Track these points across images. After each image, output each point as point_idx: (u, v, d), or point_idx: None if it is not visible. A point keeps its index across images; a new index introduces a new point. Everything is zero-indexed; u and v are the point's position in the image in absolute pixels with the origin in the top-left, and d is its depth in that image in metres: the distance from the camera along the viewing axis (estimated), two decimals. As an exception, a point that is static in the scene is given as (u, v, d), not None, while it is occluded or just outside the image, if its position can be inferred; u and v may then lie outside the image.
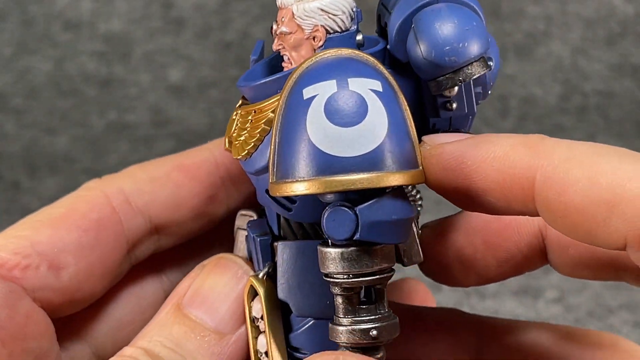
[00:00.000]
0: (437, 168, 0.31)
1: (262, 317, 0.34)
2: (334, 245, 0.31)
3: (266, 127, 0.33)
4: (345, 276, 0.31)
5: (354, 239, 0.30)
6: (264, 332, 0.34)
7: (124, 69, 0.96)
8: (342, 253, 0.31)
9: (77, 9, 0.98)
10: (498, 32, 1.01)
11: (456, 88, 0.33)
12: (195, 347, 0.33)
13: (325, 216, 0.30)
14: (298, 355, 0.35)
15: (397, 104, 0.31)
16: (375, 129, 0.30)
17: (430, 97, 0.33)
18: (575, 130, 0.95)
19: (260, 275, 0.35)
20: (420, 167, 0.31)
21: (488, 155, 0.29)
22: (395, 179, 0.30)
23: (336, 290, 0.31)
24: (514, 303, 0.70)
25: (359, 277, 0.31)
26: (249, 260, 0.36)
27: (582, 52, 1.01)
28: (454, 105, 0.33)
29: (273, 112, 0.32)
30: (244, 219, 0.38)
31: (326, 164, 0.30)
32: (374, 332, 0.31)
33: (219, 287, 0.34)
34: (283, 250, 0.34)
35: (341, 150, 0.30)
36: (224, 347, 0.33)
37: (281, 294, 0.35)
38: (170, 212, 0.38)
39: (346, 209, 0.30)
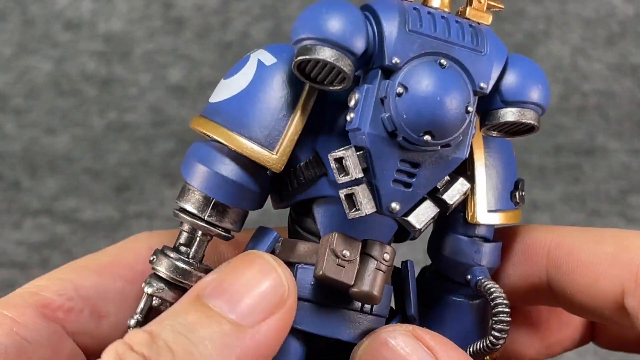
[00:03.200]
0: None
1: None
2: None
3: None
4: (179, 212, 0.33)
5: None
6: None
7: (124, 68, 0.96)
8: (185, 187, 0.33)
9: (77, 9, 0.98)
10: (498, 32, 1.01)
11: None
12: (209, 333, 0.30)
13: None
14: None
15: (272, 86, 0.32)
16: (230, 86, 0.32)
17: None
18: (575, 130, 0.95)
19: None
20: (275, 154, 0.32)
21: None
22: (216, 133, 0.32)
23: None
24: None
25: (187, 215, 0.33)
26: None
27: (581, 52, 1.01)
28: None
29: None
30: None
31: (205, 108, 0.33)
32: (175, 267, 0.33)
33: (243, 279, 0.32)
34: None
35: (212, 97, 0.33)
36: (241, 341, 0.31)
37: None
38: None
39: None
